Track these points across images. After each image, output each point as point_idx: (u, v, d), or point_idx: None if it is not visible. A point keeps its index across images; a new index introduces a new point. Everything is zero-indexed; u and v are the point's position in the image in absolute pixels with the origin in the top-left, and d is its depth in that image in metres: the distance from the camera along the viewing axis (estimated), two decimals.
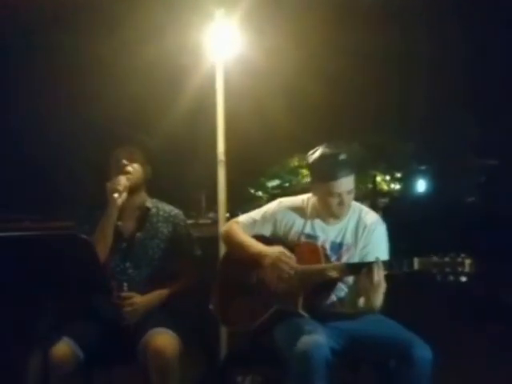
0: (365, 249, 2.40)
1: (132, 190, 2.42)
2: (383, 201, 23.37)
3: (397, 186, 25.00)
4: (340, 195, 2.31)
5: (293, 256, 2.33)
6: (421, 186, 22.13)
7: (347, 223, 2.44)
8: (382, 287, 2.17)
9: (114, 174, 2.41)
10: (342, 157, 2.30)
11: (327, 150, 2.33)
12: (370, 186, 23.40)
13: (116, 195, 2.32)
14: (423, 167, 21.16)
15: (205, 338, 3.29)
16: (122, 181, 2.36)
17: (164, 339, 2.21)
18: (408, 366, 2.10)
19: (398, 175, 23.61)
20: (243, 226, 2.53)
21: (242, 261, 2.44)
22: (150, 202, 2.54)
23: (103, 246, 2.29)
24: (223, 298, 2.48)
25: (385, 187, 25.39)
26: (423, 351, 2.12)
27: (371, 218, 2.47)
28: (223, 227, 2.72)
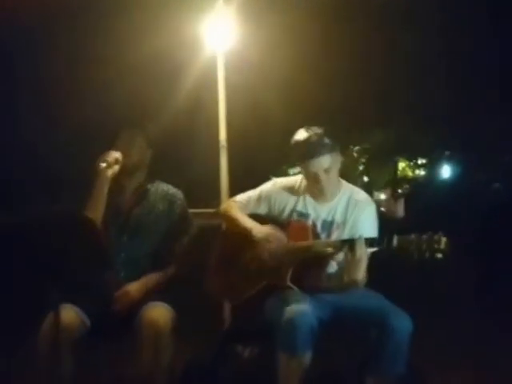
0: (354, 227, 2.54)
1: (131, 171, 2.57)
2: (406, 187, 23.15)
3: (421, 173, 24.69)
4: (316, 174, 2.47)
5: (282, 235, 2.49)
6: (446, 172, 21.82)
7: (338, 202, 2.59)
8: (364, 263, 2.30)
9: None
10: (315, 137, 2.46)
11: (302, 133, 2.51)
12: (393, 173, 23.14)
13: (103, 165, 2.43)
14: (448, 153, 20.83)
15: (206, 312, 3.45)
16: (113, 154, 2.47)
17: (157, 312, 2.34)
18: (387, 335, 2.24)
19: (423, 161, 23.28)
20: (240, 205, 2.71)
21: (236, 237, 2.61)
22: (149, 182, 2.69)
23: (94, 217, 2.35)
24: (218, 271, 2.66)
25: (409, 173, 25.12)
26: (402, 321, 2.26)
27: (361, 197, 2.62)
28: (221, 206, 2.88)
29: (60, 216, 2.08)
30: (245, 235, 2.55)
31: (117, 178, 2.57)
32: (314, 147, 2.45)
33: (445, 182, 20.90)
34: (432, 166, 23.31)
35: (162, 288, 2.56)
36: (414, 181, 24.73)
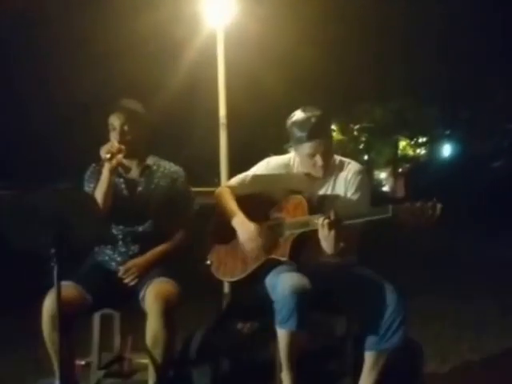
0: (349, 200, 2.53)
1: (131, 150, 2.59)
2: (407, 166, 23.19)
3: (422, 151, 24.70)
4: (315, 155, 2.46)
5: (258, 238, 2.48)
6: (446, 150, 21.83)
7: (331, 177, 2.58)
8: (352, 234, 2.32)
9: (110, 137, 2.58)
10: (314, 119, 2.44)
11: (302, 114, 2.48)
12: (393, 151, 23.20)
13: (107, 156, 2.49)
14: (448, 132, 20.81)
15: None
16: (115, 143, 2.53)
17: (164, 287, 2.39)
18: (381, 310, 2.27)
19: (424, 140, 23.27)
20: (233, 189, 2.70)
21: None
22: (150, 160, 2.73)
23: (104, 206, 2.45)
24: (218, 250, 2.68)
25: (410, 152, 25.12)
26: (396, 296, 2.29)
27: (354, 168, 2.60)
28: (216, 191, 2.86)
29: (64, 192, 2.09)
30: None
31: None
32: (313, 129, 2.43)
33: (444, 161, 20.96)
34: (432, 145, 23.35)
35: (167, 263, 2.59)
36: (415, 159, 24.83)
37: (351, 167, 2.60)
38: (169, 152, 3.04)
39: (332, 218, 2.24)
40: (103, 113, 2.63)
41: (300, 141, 2.47)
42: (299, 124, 2.46)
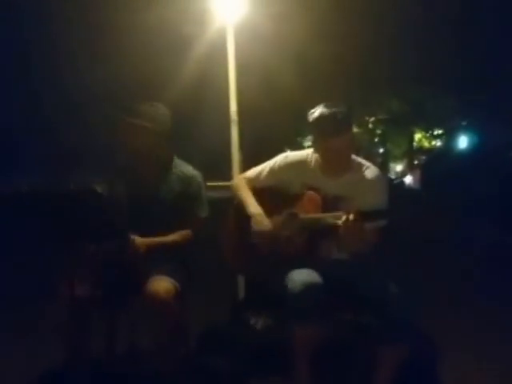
0: (364, 203, 2.50)
1: (147, 154, 2.61)
2: (423, 158, 22.96)
3: (438, 143, 24.46)
4: (339, 151, 2.45)
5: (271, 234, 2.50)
6: (462, 142, 21.58)
7: (348, 177, 2.56)
8: (367, 234, 2.30)
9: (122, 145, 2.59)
10: (341, 115, 2.42)
11: (327, 109, 2.45)
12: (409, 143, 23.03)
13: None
14: (465, 123, 20.56)
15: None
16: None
17: (159, 284, 2.38)
18: (394, 306, 2.26)
19: (440, 132, 23.04)
20: (250, 180, 2.71)
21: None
22: (169, 163, 2.72)
23: None
24: (232, 244, 2.69)
25: (426, 144, 24.89)
26: (405, 290, 2.28)
27: (372, 173, 2.58)
28: (232, 181, 2.89)
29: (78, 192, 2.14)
30: None
31: (137, 163, 2.67)
32: (339, 125, 2.41)
33: (461, 152, 20.73)
34: (448, 136, 23.12)
35: (168, 259, 2.58)
36: (431, 151, 24.59)
37: (370, 171, 2.57)
38: (180, 146, 3.04)
39: (355, 216, 2.24)
40: (115, 112, 2.62)
41: (324, 136, 2.45)
42: (324, 119, 2.43)
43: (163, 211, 2.63)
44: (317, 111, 2.47)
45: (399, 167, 28.79)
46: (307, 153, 2.69)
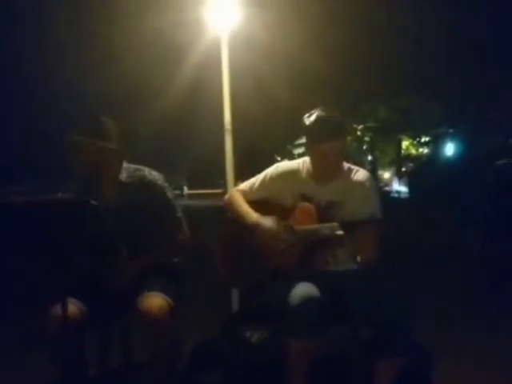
0: (356, 206, 2.48)
1: (102, 170, 2.54)
2: (410, 165, 23.12)
3: (425, 150, 24.65)
4: (330, 157, 2.44)
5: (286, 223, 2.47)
6: (449, 149, 21.75)
7: (339, 182, 2.55)
8: (370, 243, 2.29)
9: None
10: (335, 120, 2.42)
11: (324, 113, 2.45)
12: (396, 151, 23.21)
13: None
14: (451, 130, 20.75)
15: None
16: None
17: (152, 301, 2.33)
18: (390, 320, 2.24)
19: (427, 139, 23.24)
20: (244, 193, 2.68)
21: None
22: (124, 174, 2.59)
23: None
24: (226, 256, 2.66)
25: (413, 151, 25.06)
26: (403, 302, 2.26)
27: (362, 176, 2.56)
28: (226, 196, 2.84)
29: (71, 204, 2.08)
30: None
31: (92, 179, 2.57)
32: (333, 129, 2.41)
33: (448, 160, 20.88)
34: (435, 144, 23.29)
35: (162, 274, 2.53)
36: (418, 159, 24.75)
37: (359, 174, 2.57)
38: (174, 154, 2.99)
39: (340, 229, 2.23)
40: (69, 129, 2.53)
41: (319, 139, 2.43)
42: (320, 123, 2.42)
43: (136, 228, 2.52)
44: (313, 115, 2.47)
45: (387, 174, 28.99)
46: (298, 162, 2.69)
